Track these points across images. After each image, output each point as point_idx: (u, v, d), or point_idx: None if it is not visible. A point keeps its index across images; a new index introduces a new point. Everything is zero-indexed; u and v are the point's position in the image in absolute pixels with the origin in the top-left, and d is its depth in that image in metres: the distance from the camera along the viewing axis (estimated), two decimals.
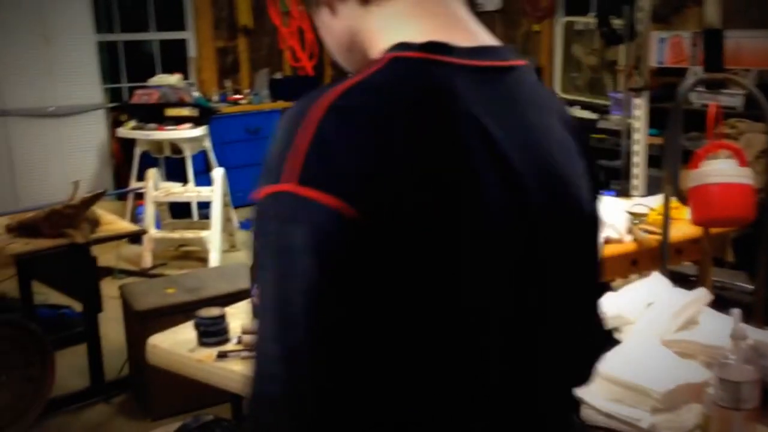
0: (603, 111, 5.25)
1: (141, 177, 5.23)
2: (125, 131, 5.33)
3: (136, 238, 4.62)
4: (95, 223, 3.12)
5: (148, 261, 4.88)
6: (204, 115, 5.34)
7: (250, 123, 6.18)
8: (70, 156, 5.41)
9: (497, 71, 0.76)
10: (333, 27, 0.81)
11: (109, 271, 4.57)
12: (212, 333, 1.85)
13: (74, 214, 2.99)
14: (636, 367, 1.56)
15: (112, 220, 3.34)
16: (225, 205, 5.17)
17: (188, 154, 5.24)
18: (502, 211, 0.71)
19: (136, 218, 5.18)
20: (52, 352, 3.00)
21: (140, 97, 5.37)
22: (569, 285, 0.81)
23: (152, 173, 5.00)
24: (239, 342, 1.85)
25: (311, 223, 0.63)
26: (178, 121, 5.26)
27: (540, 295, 0.77)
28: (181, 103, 5.30)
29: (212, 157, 5.50)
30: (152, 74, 5.84)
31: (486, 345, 0.72)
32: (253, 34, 6.58)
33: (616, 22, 4.12)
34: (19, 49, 5.10)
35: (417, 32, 0.74)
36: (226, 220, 5.24)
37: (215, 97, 6.27)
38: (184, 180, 5.28)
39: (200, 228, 5.08)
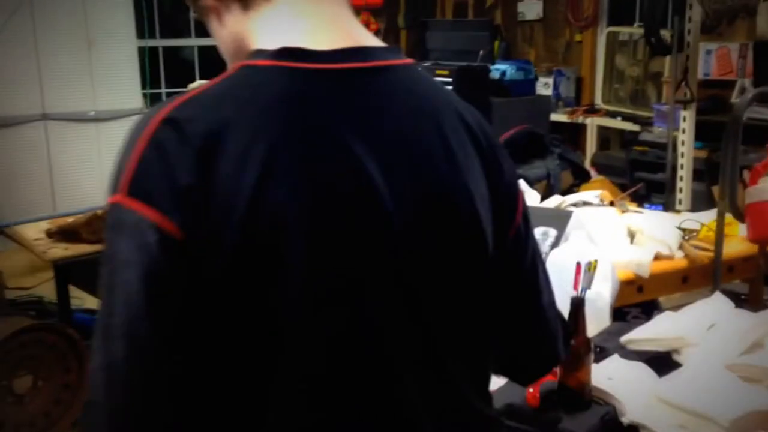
0: (645, 123, 5.15)
1: None
2: None
3: None
4: None
5: None
6: None
7: None
8: (107, 161, 5.42)
9: (363, 73, 0.74)
10: (221, 35, 0.81)
11: None
12: None
13: None
14: (700, 392, 1.49)
15: None
16: None
17: None
18: (351, 228, 0.69)
19: None
20: (89, 359, 2.98)
21: None
22: (449, 297, 0.79)
23: None
24: None
25: (133, 235, 0.65)
26: None
27: (409, 314, 0.74)
28: None
29: None
30: (190, 80, 5.86)
31: (321, 370, 0.70)
32: None
33: (663, 33, 4.03)
34: (62, 54, 5.14)
35: (283, 37, 0.73)
36: None
37: None
38: None
39: None
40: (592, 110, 5.72)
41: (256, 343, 0.68)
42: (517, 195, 0.88)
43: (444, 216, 0.76)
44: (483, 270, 0.82)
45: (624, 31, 5.63)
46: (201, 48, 6.32)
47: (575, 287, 1.51)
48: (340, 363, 0.71)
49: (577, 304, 1.50)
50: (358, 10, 7.46)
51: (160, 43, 6.04)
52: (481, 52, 4.37)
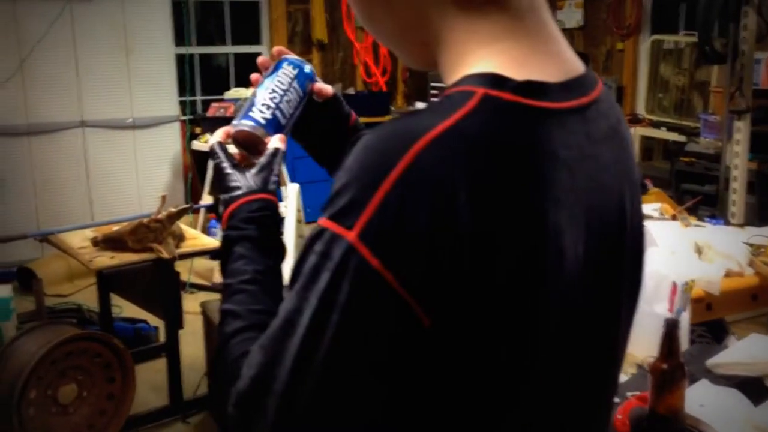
0: (692, 133, 5.03)
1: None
2: (200, 144, 5.32)
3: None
4: (180, 237, 3.06)
5: (219, 276, 4.82)
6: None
7: None
8: (143, 168, 5.42)
9: (585, 111, 0.68)
10: (401, 15, 0.71)
11: (181, 285, 4.53)
12: None
13: (160, 229, 2.93)
14: None
15: (195, 235, 3.28)
16: (297, 220, 5.09)
17: None
18: (577, 289, 0.65)
19: (208, 232, 5.15)
20: (133, 369, 2.93)
21: (216, 110, 5.35)
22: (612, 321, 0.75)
23: None
24: None
25: (359, 287, 0.58)
26: None
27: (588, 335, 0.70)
28: None
29: (285, 172, 5.45)
30: (225, 88, 5.84)
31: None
32: (327, 48, 6.54)
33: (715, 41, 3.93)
34: (101, 61, 5.14)
35: (510, 57, 0.65)
36: (298, 236, 5.16)
37: None
38: None
39: None
40: (634, 120, 5.61)
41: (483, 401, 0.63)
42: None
43: (635, 261, 0.75)
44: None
45: (669, 39, 5.52)
46: (236, 55, 6.30)
47: (670, 308, 1.42)
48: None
49: (672, 326, 1.42)
50: None
51: (197, 50, 6.03)
52: None
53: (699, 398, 1.53)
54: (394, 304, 0.57)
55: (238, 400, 0.64)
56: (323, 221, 0.60)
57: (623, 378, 1.72)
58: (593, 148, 0.67)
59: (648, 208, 2.82)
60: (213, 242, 3.33)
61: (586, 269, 0.65)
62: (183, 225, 3.24)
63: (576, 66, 0.69)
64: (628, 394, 1.61)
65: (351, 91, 6.58)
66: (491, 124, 0.60)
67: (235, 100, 5.34)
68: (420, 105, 6.56)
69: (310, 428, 0.61)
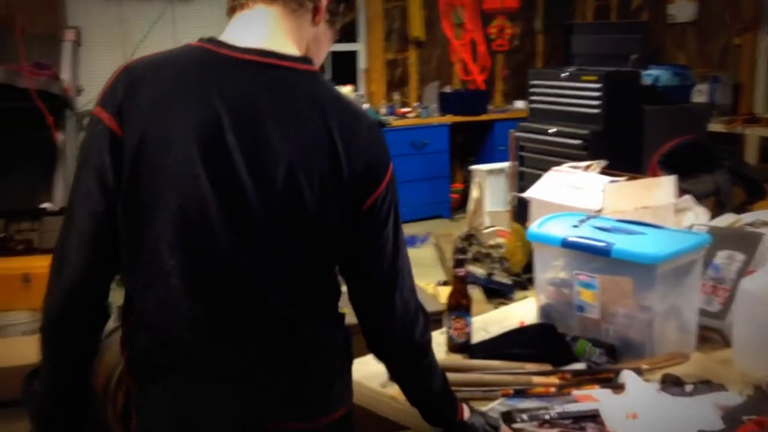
0: None
1: None
2: None
3: None
4: None
5: None
6: None
7: (417, 137, 6.05)
8: None
9: (255, 64, 1.13)
10: None
11: None
12: None
13: None
14: None
15: None
16: None
17: None
18: (197, 151, 1.09)
19: None
20: None
21: None
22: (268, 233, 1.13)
23: None
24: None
25: (92, 126, 1.13)
26: None
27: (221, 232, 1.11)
28: None
29: None
30: None
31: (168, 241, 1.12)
32: (424, 46, 6.47)
33: None
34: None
35: (224, 35, 1.16)
36: None
37: (383, 110, 6.20)
38: None
39: None
40: (752, 120, 5.27)
41: (134, 213, 1.12)
42: (375, 182, 1.17)
43: (265, 170, 1.10)
44: (299, 221, 1.13)
45: None
46: (334, 53, 6.31)
47: None
48: (182, 226, 1.11)
49: None
50: (492, 14, 7.04)
51: None
52: (632, 57, 4.06)
53: None
54: (107, 129, 1.10)
55: None
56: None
57: (738, 400, 1.55)
58: (263, 93, 1.12)
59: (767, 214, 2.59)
60: None
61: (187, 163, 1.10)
62: None
63: (274, 48, 1.15)
64: (744, 417, 1.44)
65: (447, 89, 6.48)
66: (175, 53, 1.15)
67: None
68: (520, 104, 6.39)
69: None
